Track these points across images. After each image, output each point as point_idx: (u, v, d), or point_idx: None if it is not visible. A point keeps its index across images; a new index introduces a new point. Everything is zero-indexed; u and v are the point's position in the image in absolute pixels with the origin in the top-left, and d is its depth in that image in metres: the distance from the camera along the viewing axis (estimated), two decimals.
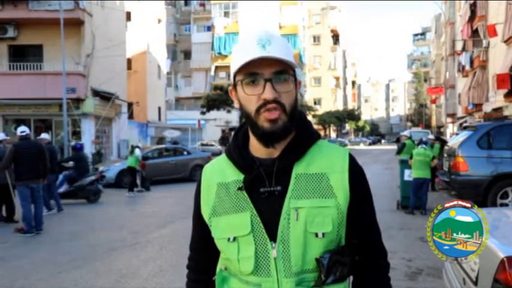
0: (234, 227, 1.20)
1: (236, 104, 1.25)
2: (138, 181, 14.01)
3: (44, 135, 10.39)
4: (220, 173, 1.28)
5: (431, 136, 9.26)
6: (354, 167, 1.24)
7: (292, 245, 1.16)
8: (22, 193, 7.70)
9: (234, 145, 1.28)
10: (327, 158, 1.23)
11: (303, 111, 1.32)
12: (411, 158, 9.32)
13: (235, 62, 1.18)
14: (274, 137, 1.18)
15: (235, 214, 1.20)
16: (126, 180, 14.78)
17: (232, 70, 1.21)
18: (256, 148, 1.24)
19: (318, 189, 1.19)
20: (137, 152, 13.67)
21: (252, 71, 1.16)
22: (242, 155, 1.25)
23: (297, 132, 1.25)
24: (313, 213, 1.17)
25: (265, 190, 1.19)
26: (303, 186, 1.19)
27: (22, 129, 7.98)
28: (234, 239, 1.20)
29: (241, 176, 1.23)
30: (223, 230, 1.22)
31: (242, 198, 1.20)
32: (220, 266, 1.28)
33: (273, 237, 1.17)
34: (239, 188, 1.21)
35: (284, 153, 1.21)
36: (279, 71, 1.16)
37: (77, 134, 20.71)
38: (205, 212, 1.28)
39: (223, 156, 1.32)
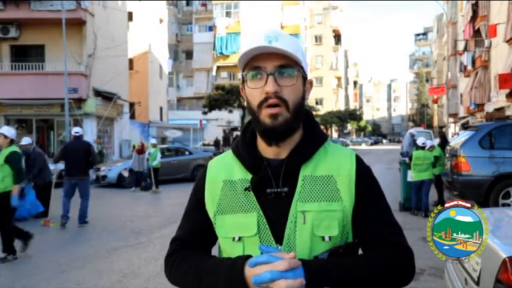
0: (239, 227, 1.19)
1: (245, 102, 1.24)
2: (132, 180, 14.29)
3: (27, 140, 9.82)
4: (227, 170, 1.26)
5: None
6: (361, 168, 1.23)
7: (298, 248, 1.14)
8: (66, 188, 8.47)
9: (242, 143, 1.27)
10: (334, 160, 1.22)
11: (310, 111, 1.30)
12: (410, 158, 9.23)
13: (241, 56, 1.19)
14: (275, 134, 1.16)
15: (242, 214, 1.19)
16: (128, 180, 14.80)
17: (240, 65, 1.21)
18: (264, 148, 1.23)
19: (325, 192, 1.17)
20: (158, 153, 14.11)
21: (256, 65, 1.16)
22: (250, 153, 1.23)
23: (305, 133, 1.24)
24: (320, 217, 1.16)
25: (272, 191, 1.18)
26: (310, 189, 1.18)
27: (76, 130, 8.88)
28: (240, 239, 1.19)
29: (248, 176, 1.21)
30: (229, 229, 1.21)
31: (249, 199, 1.19)
32: None
33: (278, 239, 1.16)
34: (246, 189, 1.20)
35: (292, 155, 1.20)
36: (282, 65, 1.15)
37: None
38: (209, 209, 1.26)
39: (230, 152, 1.30)
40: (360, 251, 1.25)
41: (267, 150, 1.22)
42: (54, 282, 5.20)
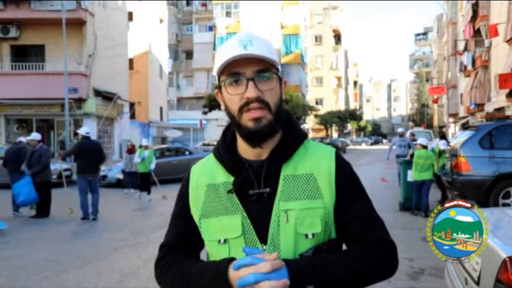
0: (224, 229, 1.21)
1: (222, 106, 1.24)
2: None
3: (36, 136, 9.93)
4: (209, 173, 1.28)
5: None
6: (341, 165, 1.24)
7: (282, 247, 1.16)
8: (81, 184, 8.93)
9: (223, 146, 1.28)
10: (314, 158, 1.24)
11: (289, 111, 1.32)
12: (412, 156, 9.18)
13: (218, 63, 1.19)
14: (259, 136, 1.18)
15: (226, 216, 1.21)
16: (125, 182, 14.60)
17: (216, 71, 1.21)
18: (244, 149, 1.25)
19: (306, 191, 1.19)
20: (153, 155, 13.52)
21: (234, 70, 1.17)
22: (231, 156, 1.25)
23: (284, 133, 1.26)
24: (303, 215, 1.17)
25: (254, 192, 1.20)
26: (292, 188, 1.19)
27: (87, 130, 9.39)
28: (225, 241, 1.20)
29: (230, 178, 1.23)
30: (214, 232, 1.23)
31: (232, 201, 1.21)
32: None
33: (263, 239, 1.18)
34: (229, 191, 1.21)
35: (272, 155, 1.22)
36: (261, 69, 1.17)
37: (78, 134, 20.72)
38: (194, 213, 1.28)
39: (211, 156, 1.32)
40: (344, 247, 1.26)
41: (247, 152, 1.24)
42: (55, 282, 5.20)
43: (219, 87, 1.23)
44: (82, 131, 9.32)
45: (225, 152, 1.26)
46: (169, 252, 1.30)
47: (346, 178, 1.23)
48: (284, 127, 1.26)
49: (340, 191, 1.21)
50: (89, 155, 8.97)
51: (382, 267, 1.19)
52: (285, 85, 1.27)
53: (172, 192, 13.56)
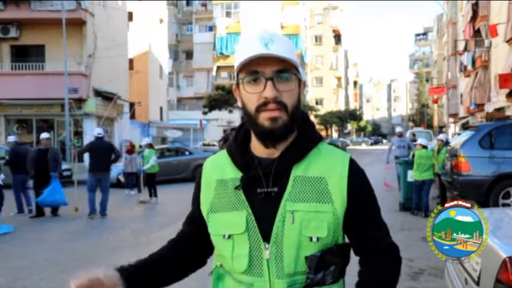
0: (229, 225, 1.21)
1: (239, 103, 1.25)
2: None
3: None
4: (220, 169, 1.29)
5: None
6: (354, 171, 1.23)
7: (285, 247, 1.16)
8: (90, 182, 9.30)
9: (235, 143, 1.29)
10: (326, 162, 1.22)
11: (305, 112, 1.32)
12: (413, 156, 9.19)
13: (238, 60, 1.18)
14: (273, 136, 1.18)
15: (232, 212, 1.21)
16: (127, 181, 14.57)
17: (235, 68, 1.21)
18: (257, 147, 1.25)
19: (316, 193, 1.18)
20: (154, 155, 13.14)
21: (253, 69, 1.16)
22: (242, 153, 1.25)
23: (298, 133, 1.24)
24: (309, 217, 1.16)
25: (262, 191, 1.19)
26: (301, 189, 1.18)
27: (99, 131, 9.76)
28: (229, 236, 1.21)
29: (239, 174, 1.23)
30: (219, 226, 1.23)
31: (239, 197, 1.21)
32: (216, 262, 1.29)
33: (266, 238, 1.18)
34: (236, 187, 1.21)
35: (284, 154, 1.21)
36: (280, 69, 1.16)
37: (78, 134, 20.75)
38: (203, 207, 1.29)
39: (224, 152, 1.32)
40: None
41: (259, 150, 1.24)
42: (55, 281, 5.21)
43: (237, 84, 1.23)
44: (95, 132, 9.76)
45: (236, 149, 1.27)
46: (177, 236, 1.42)
47: (358, 185, 1.22)
48: (299, 127, 1.25)
49: (352, 198, 1.20)
50: (100, 154, 9.30)
51: (394, 275, 1.25)
52: (304, 86, 1.26)
53: (170, 192, 13.59)
